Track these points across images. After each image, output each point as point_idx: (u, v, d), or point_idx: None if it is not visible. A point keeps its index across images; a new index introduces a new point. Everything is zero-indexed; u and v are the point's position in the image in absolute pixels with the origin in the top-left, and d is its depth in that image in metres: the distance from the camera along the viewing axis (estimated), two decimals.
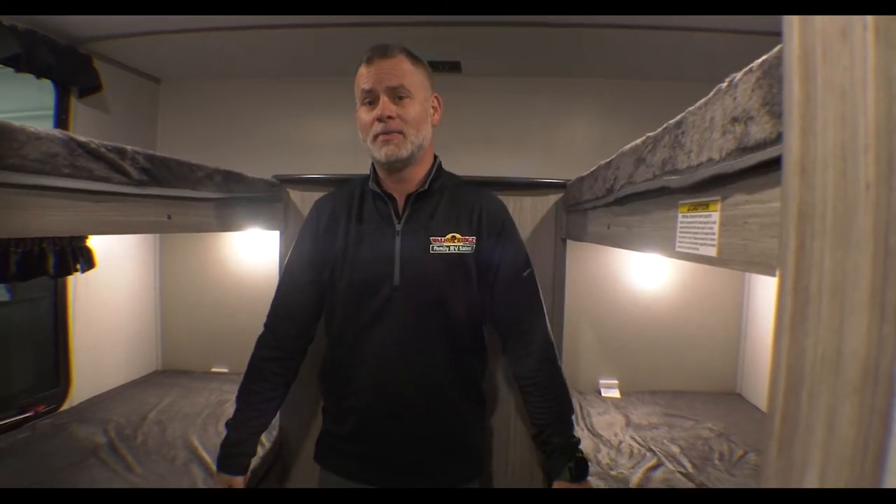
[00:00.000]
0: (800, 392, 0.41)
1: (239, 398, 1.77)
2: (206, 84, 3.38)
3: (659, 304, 3.11)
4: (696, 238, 0.77)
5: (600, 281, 3.14)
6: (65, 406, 2.67)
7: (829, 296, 0.39)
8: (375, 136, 1.48)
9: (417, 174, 1.58)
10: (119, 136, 2.95)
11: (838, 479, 0.38)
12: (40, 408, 2.55)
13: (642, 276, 3.13)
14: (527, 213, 2.19)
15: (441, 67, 2.99)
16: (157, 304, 3.43)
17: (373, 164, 1.62)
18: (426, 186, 1.58)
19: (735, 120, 0.61)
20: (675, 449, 2.32)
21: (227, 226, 1.96)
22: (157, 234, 3.34)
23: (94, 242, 2.55)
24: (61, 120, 2.73)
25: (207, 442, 2.28)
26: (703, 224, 0.75)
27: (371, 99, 1.48)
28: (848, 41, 0.38)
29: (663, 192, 0.92)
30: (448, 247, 1.54)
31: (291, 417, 2.33)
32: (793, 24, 0.43)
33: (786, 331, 0.42)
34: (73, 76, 2.68)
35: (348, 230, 1.60)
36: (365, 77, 1.48)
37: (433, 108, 1.58)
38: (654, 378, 3.17)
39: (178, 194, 1.56)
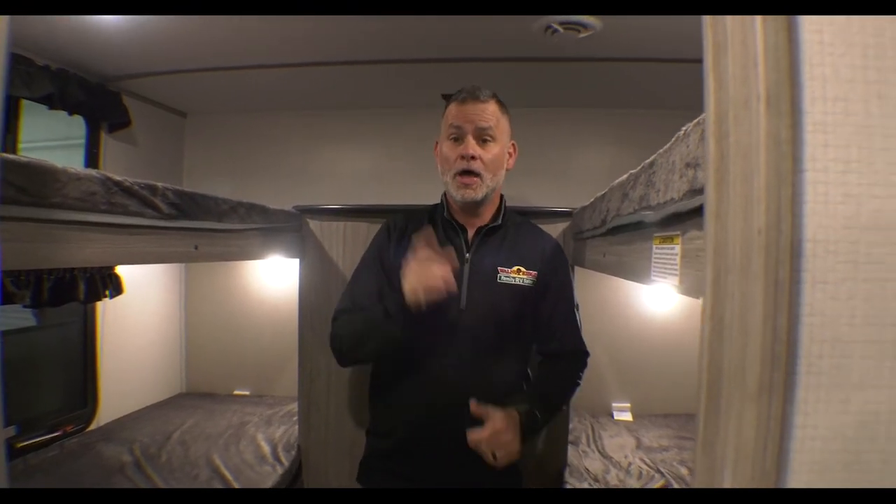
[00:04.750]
0: (718, 401, 0.49)
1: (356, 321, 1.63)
2: (231, 117, 3.53)
3: (672, 328, 3.14)
4: (664, 268, 0.85)
5: (613, 305, 3.18)
6: (92, 426, 2.78)
7: (737, 320, 0.48)
8: (455, 175, 1.60)
9: (488, 211, 1.70)
10: (147, 168, 3.11)
11: (744, 477, 0.46)
12: (69, 427, 2.66)
13: (655, 300, 3.17)
14: None
15: None
16: (183, 328, 3.55)
17: (444, 195, 1.72)
18: (497, 222, 1.69)
19: (688, 165, 0.69)
20: (683, 471, 2.36)
21: (249, 254, 2.07)
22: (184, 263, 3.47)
23: (123, 270, 2.67)
24: (92, 154, 2.87)
25: (229, 461, 2.37)
26: (669, 255, 0.83)
27: (458, 136, 1.59)
28: (748, 109, 0.47)
29: (641, 225, 1.00)
30: (514, 278, 1.64)
31: (310, 437, 2.42)
32: (710, 91, 0.51)
33: (706, 350, 0.51)
34: (103, 112, 2.83)
35: None
36: (455, 115, 1.60)
37: (509, 153, 1.69)
38: (668, 401, 3.18)
39: (205, 226, 1.67)
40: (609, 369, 3.24)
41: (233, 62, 2.69)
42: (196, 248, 1.66)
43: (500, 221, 1.70)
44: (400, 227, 1.75)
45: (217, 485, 2.16)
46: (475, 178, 1.58)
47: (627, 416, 3.15)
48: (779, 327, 0.45)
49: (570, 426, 2.65)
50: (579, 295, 2.26)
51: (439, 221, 1.71)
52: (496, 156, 1.61)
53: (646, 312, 3.18)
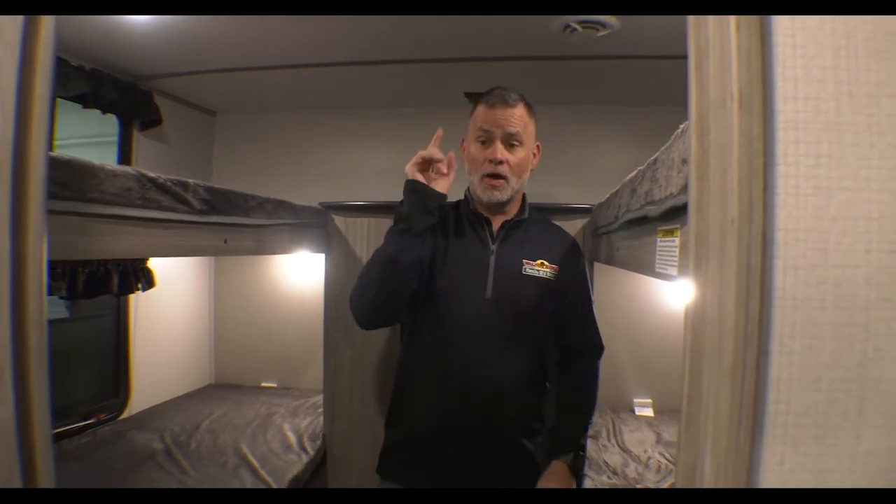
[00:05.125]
0: (700, 379, 0.53)
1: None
2: (258, 116, 3.62)
3: None
4: (666, 260, 0.89)
5: (634, 301, 3.19)
6: (124, 415, 2.88)
7: (715, 303, 0.52)
8: (482, 177, 1.64)
9: (512, 209, 1.74)
10: (177, 165, 3.20)
11: (720, 450, 0.50)
12: (102, 416, 2.76)
13: (677, 295, 3.17)
14: None
15: (476, 98, 3.14)
16: (212, 322, 3.65)
17: (468, 191, 1.77)
18: (521, 216, 1.74)
19: (684, 161, 0.73)
20: None
21: (276, 249, 2.14)
22: (213, 257, 3.56)
23: (154, 263, 2.76)
24: (124, 152, 2.97)
25: (256, 450, 2.45)
26: (670, 248, 0.87)
27: (486, 139, 1.63)
28: (724, 108, 0.51)
29: (647, 220, 1.04)
30: (538, 270, 1.68)
31: (334, 427, 2.48)
32: (692, 91, 0.55)
33: (689, 331, 0.55)
34: (135, 111, 2.92)
35: (446, 241, 1.71)
36: (484, 118, 1.63)
37: (533, 153, 1.72)
38: None
39: (234, 221, 1.74)
40: (630, 364, 3.25)
41: (260, 63, 2.77)
42: (225, 242, 1.73)
43: (522, 216, 1.74)
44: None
45: (244, 472, 2.23)
46: (502, 181, 1.63)
47: (649, 412, 3.16)
48: (751, 309, 0.49)
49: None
50: (601, 290, 2.29)
51: (464, 214, 1.75)
52: (522, 159, 1.65)
53: (668, 308, 3.17)
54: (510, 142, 1.62)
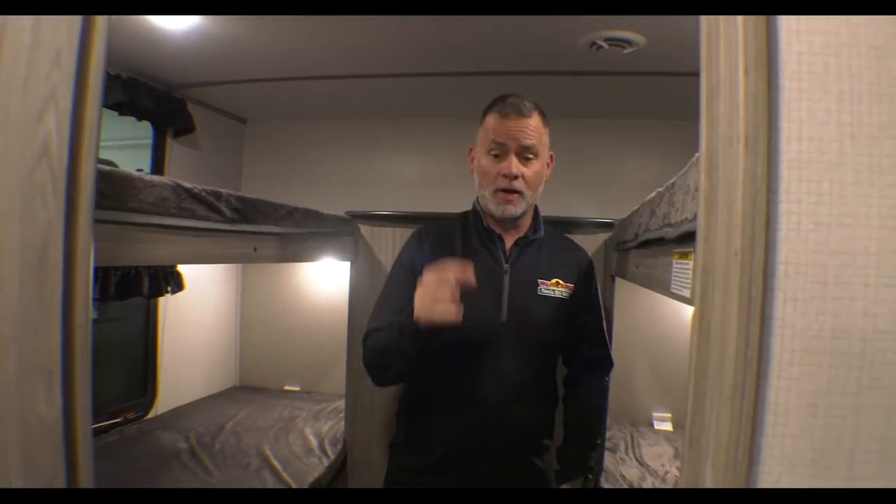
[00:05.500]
0: (703, 400, 0.56)
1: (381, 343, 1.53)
2: (288, 124, 3.69)
3: None
4: (681, 282, 0.92)
5: (654, 314, 3.18)
6: (150, 414, 2.95)
7: (718, 329, 0.55)
8: (495, 191, 1.54)
9: (525, 223, 1.64)
10: (208, 172, 3.29)
11: (720, 468, 0.54)
12: (129, 414, 2.83)
13: None
14: None
15: None
16: (237, 325, 3.72)
17: (477, 203, 1.66)
18: (537, 234, 1.65)
19: (696, 189, 0.76)
20: None
21: (304, 257, 2.19)
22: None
23: (184, 267, 2.83)
24: (157, 158, 3.05)
25: (278, 452, 2.50)
26: (685, 270, 0.89)
27: (499, 152, 1.52)
28: (731, 147, 0.54)
29: (663, 240, 1.07)
30: (553, 290, 1.60)
31: (355, 432, 2.52)
32: (703, 128, 0.59)
33: (695, 355, 0.58)
34: (169, 119, 3.00)
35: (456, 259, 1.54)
36: (497, 129, 1.52)
37: (547, 164, 1.62)
38: None
39: (263, 230, 1.80)
40: (650, 379, 3.25)
41: (290, 73, 2.83)
42: (255, 250, 1.79)
43: (539, 233, 1.66)
44: (433, 237, 1.68)
45: (267, 474, 2.28)
46: (516, 195, 1.53)
47: (668, 426, 3.15)
48: (751, 336, 0.52)
49: (609, 434, 2.69)
50: (623, 303, 2.30)
51: (473, 230, 1.65)
52: (538, 172, 1.55)
53: (687, 321, 3.16)
54: (525, 154, 1.52)
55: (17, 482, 0.63)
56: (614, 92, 2.93)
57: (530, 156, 1.53)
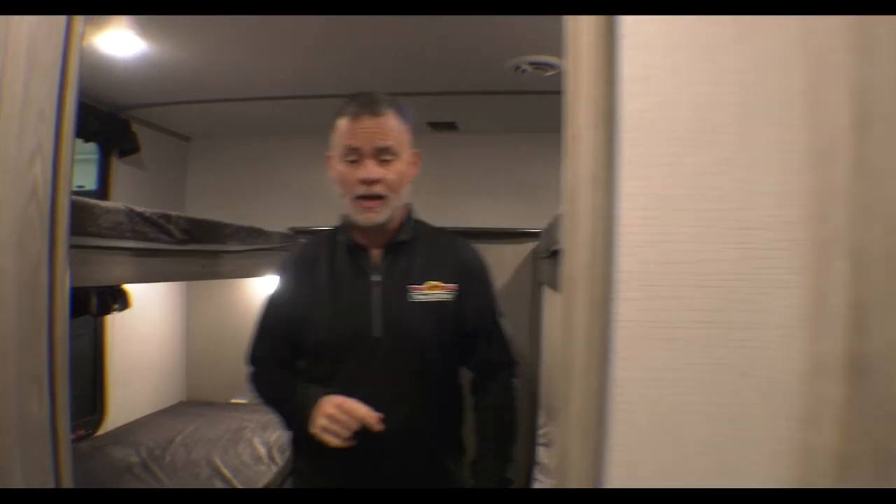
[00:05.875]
0: (568, 380, 0.73)
1: (268, 389, 1.60)
2: (230, 141, 3.79)
3: None
4: None
5: None
6: (101, 431, 3.00)
7: (577, 324, 0.72)
8: (355, 199, 1.42)
9: (392, 227, 1.50)
10: (152, 190, 3.37)
11: (577, 431, 0.70)
12: (80, 432, 2.88)
13: None
14: (508, 259, 2.52)
15: (439, 128, 3.37)
16: (184, 341, 3.78)
17: (344, 216, 1.55)
18: (403, 237, 1.51)
19: None
20: None
21: (249, 273, 2.32)
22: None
23: (130, 285, 2.89)
24: (104, 178, 3.12)
25: (228, 462, 2.59)
26: None
27: (355, 157, 1.40)
28: (584, 184, 0.71)
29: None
30: (428, 295, 1.47)
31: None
32: (567, 168, 0.75)
33: (561, 344, 0.74)
34: (115, 140, 3.08)
35: (321, 284, 1.51)
36: (349, 133, 1.41)
37: (412, 162, 1.51)
38: None
39: (210, 248, 1.92)
40: None
41: (233, 94, 2.95)
42: (202, 267, 1.90)
43: (404, 236, 1.51)
44: (298, 265, 1.59)
45: (218, 482, 2.38)
46: (377, 201, 1.41)
47: None
48: (599, 329, 0.69)
49: (544, 430, 2.86)
50: (541, 315, 2.46)
51: (340, 246, 1.53)
52: (400, 173, 1.43)
53: None
54: (382, 157, 1.40)
55: (16, 476, 0.75)
56: (541, 109, 3.14)
57: (389, 157, 1.41)
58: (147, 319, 3.38)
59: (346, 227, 1.52)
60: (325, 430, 1.30)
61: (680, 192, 0.70)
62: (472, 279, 1.54)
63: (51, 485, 0.81)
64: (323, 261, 1.52)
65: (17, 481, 0.75)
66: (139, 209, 1.52)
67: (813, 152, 0.67)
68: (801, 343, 0.68)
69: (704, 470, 0.70)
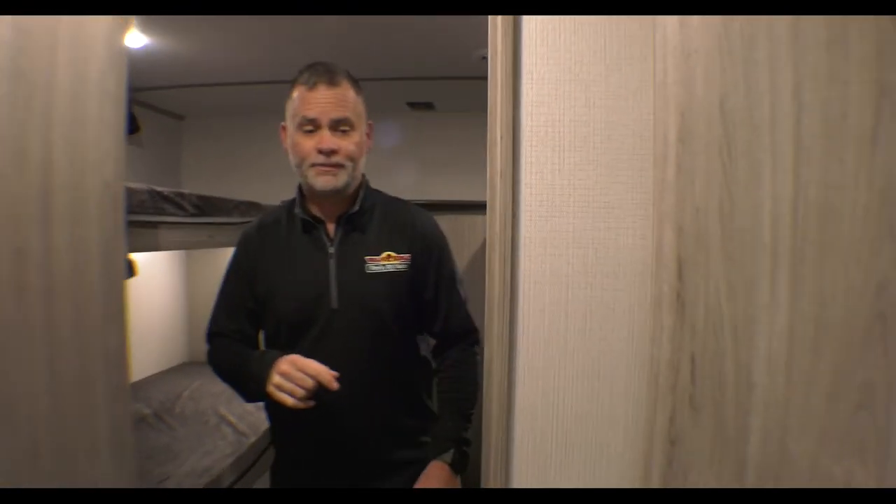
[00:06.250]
0: (491, 337, 1.04)
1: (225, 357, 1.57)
2: (223, 120, 4.06)
3: None
4: None
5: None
6: None
7: (493, 281, 1.02)
8: (312, 165, 1.39)
9: (348, 197, 1.48)
10: (150, 167, 3.63)
11: (493, 390, 1.02)
12: None
13: None
14: (480, 227, 2.80)
15: (418, 107, 3.64)
16: (186, 306, 4.09)
17: (299, 188, 1.52)
18: (357, 207, 1.48)
19: None
20: None
21: None
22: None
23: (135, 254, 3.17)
24: None
25: (233, 411, 2.89)
26: None
27: (311, 127, 1.38)
28: (498, 177, 1.02)
29: None
30: (384, 265, 1.46)
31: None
32: (488, 166, 1.06)
33: (489, 311, 1.05)
34: None
35: (278, 259, 1.50)
36: (306, 104, 1.38)
37: (367, 135, 1.49)
38: None
39: (217, 221, 2.21)
40: None
41: (224, 79, 3.22)
42: (210, 237, 2.20)
43: (358, 206, 1.47)
44: (255, 241, 1.56)
45: (225, 428, 2.68)
46: (336, 167, 1.39)
47: None
48: (506, 276, 1.00)
49: None
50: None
51: (295, 219, 1.50)
52: (357, 143, 1.42)
53: None
54: (340, 128, 1.38)
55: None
56: None
57: (346, 128, 1.39)
58: (152, 287, 3.66)
59: (303, 199, 1.50)
60: (279, 387, 1.28)
61: (563, 182, 1.02)
62: (428, 249, 1.51)
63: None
64: (280, 234, 1.52)
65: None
66: (159, 188, 1.81)
67: (653, 156, 0.97)
68: (646, 286, 1.00)
69: (582, 372, 1.02)
